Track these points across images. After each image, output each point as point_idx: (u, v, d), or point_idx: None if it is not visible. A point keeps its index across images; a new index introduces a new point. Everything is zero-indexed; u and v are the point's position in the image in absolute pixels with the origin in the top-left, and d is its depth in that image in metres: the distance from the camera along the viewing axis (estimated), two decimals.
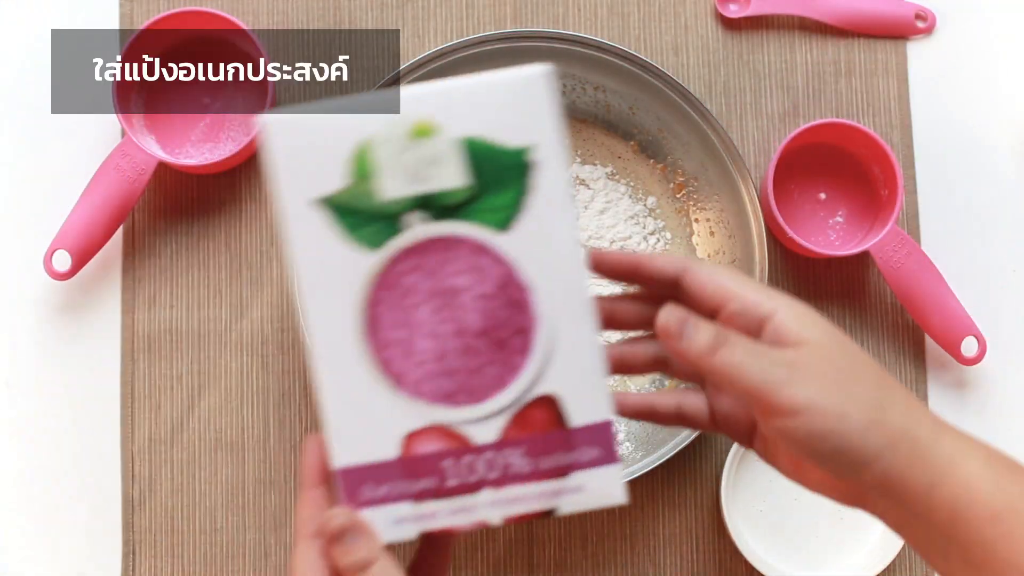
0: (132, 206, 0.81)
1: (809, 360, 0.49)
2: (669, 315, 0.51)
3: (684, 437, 0.77)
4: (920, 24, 0.86)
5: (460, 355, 0.53)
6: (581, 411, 0.54)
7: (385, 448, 0.53)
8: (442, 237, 0.53)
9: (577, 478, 0.54)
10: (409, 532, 0.53)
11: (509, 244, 0.53)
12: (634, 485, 0.82)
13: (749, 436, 0.55)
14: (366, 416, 0.53)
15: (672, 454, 0.77)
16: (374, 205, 0.52)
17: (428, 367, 0.53)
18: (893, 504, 0.49)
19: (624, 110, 0.82)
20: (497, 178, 0.52)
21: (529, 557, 0.82)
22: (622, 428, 0.81)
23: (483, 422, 0.53)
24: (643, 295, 0.56)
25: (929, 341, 0.83)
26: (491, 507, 0.53)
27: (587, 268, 0.55)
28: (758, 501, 0.80)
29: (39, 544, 0.82)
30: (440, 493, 0.53)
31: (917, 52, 0.86)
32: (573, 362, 0.53)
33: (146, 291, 0.83)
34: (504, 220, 0.52)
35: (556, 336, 0.53)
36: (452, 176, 0.52)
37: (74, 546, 0.82)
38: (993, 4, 0.87)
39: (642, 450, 0.79)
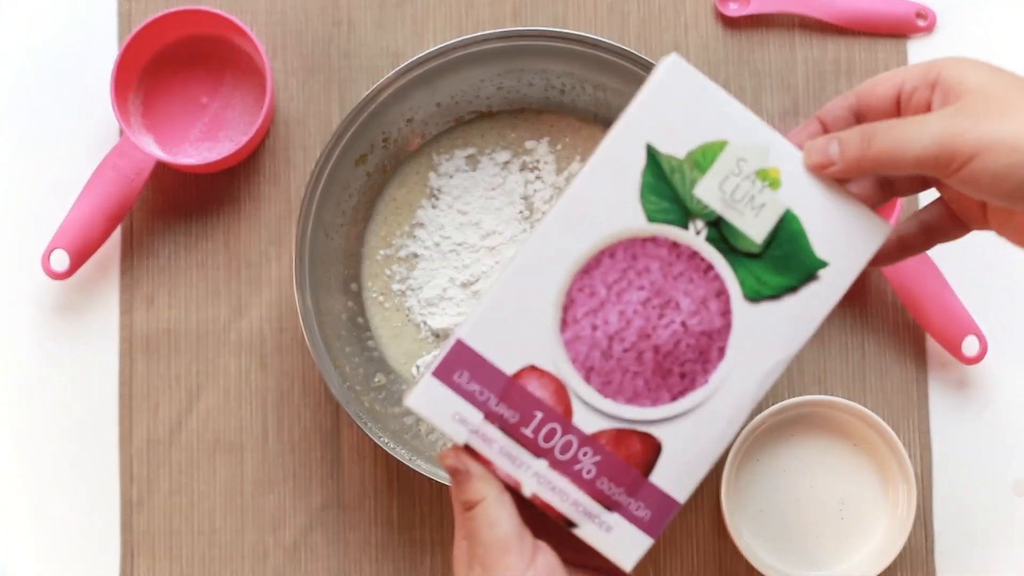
0: (130, 206, 0.81)
1: (974, 104, 0.48)
2: (809, 150, 0.52)
3: None
4: (921, 23, 0.85)
5: (626, 350, 0.54)
6: (668, 476, 0.54)
7: (505, 359, 0.53)
8: (703, 258, 0.54)
9: (614, 519, 0.54)
10: (459, 435, 0.54)
11: (741, 310, 0.54)
12: None
13: (983, 214, 0.55)
14: (517, 325, 0.53)
15: None
16: (683, 190, 0.53)
17: (597, 334, 0.54)
18: None
19: (624, 109, 0.82)
20: (783, 260, 0.54)
21: None
22: None
23: (594, 412, 0.54)
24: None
25: (930, 340, 0.83)
26: (534, 477, 0.54)
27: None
28: (759, 502, 0.80)
29: (37, 545, 0.82)
30: (508, 430, 0.54)
31: (918, 51, 0.86)
32: (698, 437, 0.54)
33: (144, 291, 0.83)
34: (757, 294, 0.54)
35: (708, 406, 0.54)
36: (755, 229, 0.54)
37: (72, 547, 0.82)
38: (994, 3, 0.87)
39: None
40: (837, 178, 0.53)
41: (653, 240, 0.53)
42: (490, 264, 0.82)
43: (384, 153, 0.82)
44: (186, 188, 0.84)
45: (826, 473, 0.80)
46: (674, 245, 0.53)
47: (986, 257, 0.85)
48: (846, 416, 0.80)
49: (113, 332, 0.83)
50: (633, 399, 0.54)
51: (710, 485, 0.82)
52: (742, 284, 0.53)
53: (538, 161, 0.83)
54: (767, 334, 0.53)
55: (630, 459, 0.54)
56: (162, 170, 0.84)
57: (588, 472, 0.54)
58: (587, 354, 0.53)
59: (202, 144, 0.83)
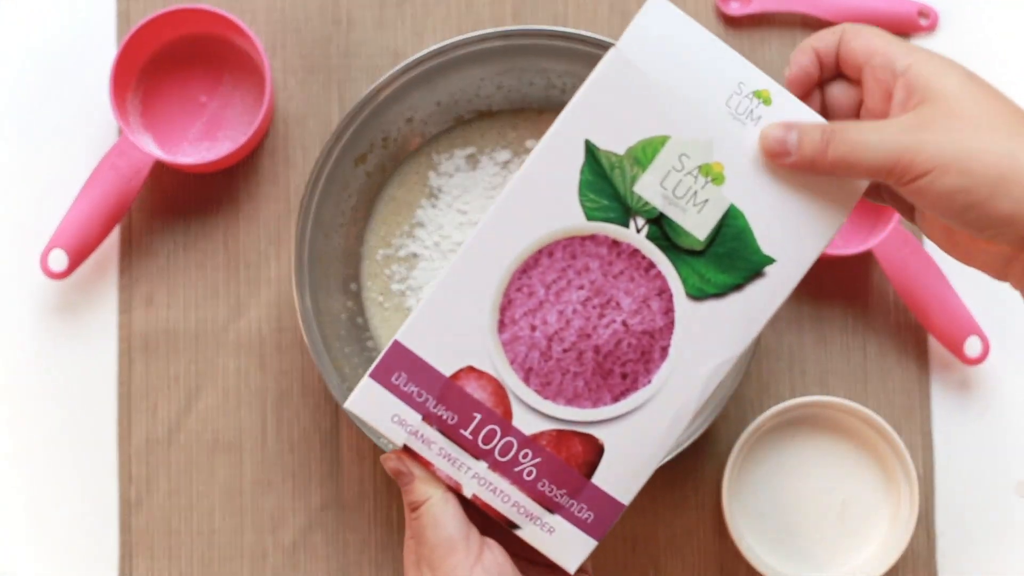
0: (129, 205, 0.81)
1: (937, 116, 0.47)
2: (767, 134, 0.51)
3: (685, 437, 0.77)
4: (923, 22, 0.85)
5: (566, 350, 0.53)
6: (611, 477, 0.54)
7: (443, 360, 0.53)
8: (644, 256, 0.53)
9: (556, 521, 0.54)
10: (398, 436, 0.53)
11: (685, 310, 0.53)
12: None
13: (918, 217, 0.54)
14: (454, 326, 0.53)
15: (673, 455, 0.77)
16: (623, 187, 0.52)
17: (536, 335, 0.53)
18: None
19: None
20: (727, 258, 0.52)
21: None
22: None
23: (533, 413, 0.53)
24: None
25: (932, 341, 0.83)
26: (474, 479, 0.53)
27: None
28: (760, 503, 0.80)
29: (35, 545, 0.82)
30: (448, 431, 0.53)
31: None
32: (642, 438, 0.53)
33: (143, 291, 0.83)
34: (700, 292, 0.53)
35: (651, 407, 0.53)
36: (697, 226, 0.52)
37: (71, 547, 0.82)
38: (996, 2, 0.86)
39: None
40: (794, 169, 0.52)
41: (592, 238, 0.52)
42: None
43: (384, 153, 0.82)
44: (185, 188, 0.84)
45: (828, 474, 0.80)
46: (614, 243, 0.52)
47: None
48: (848, 417, 0.79)
49: (112, 332, 0.83)
50: (573, 400, 0.53)
51: (711, 486, 0.82)
52: (685, 282, 0.52)
53: None
54: (712, 333, 0.52)
55: (571, 460, 0.53)
56: (161, 170, 0.83)
57: (529, 474, 0.53)
58: (526, 355, 0.53)
59: (201, 143, 0.83)
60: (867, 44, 0.51)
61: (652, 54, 0.52)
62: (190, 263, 0.83)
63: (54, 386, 0.83)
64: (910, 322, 0.83)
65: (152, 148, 0.82)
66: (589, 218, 0.52)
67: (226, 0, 0.85)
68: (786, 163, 0.51)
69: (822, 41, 0.53)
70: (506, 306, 0.53)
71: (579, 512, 0.54)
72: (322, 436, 0.82)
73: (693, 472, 0.82)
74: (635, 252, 0.52)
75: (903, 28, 0.85)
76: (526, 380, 0.53)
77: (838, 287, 0.84)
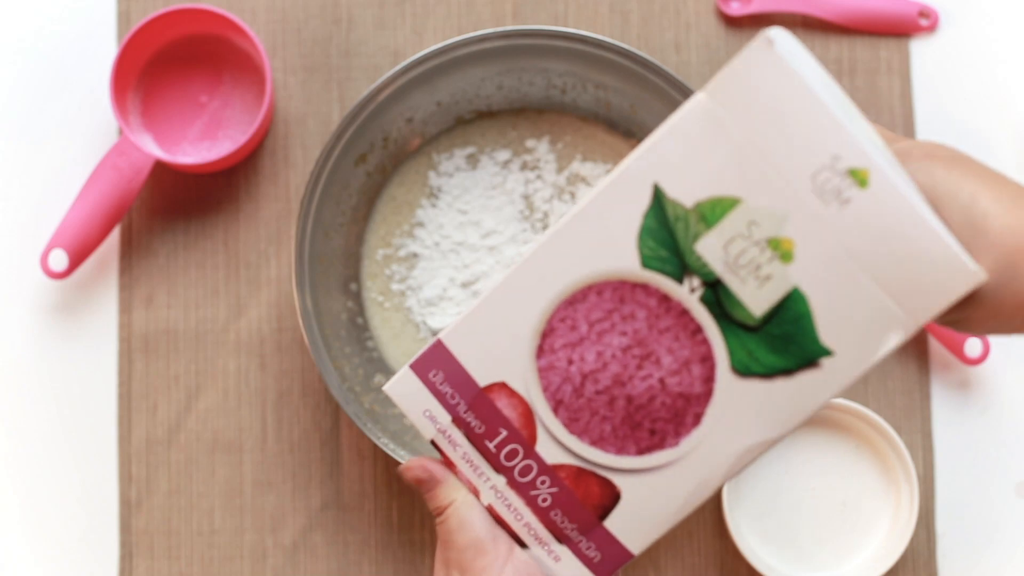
0: (129, 205, 0.80)
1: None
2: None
3: None
4: (923, 22, 0.85)
5: (599, 392, 0.52)
6: (624, 525, 0.52)
7: (480, 369, 0.52)
8: (693, 318, 0.50)
9: (563, 552, 0.53)
10: (427, 430, 0.53)
11: (727, 382, 0.50)
12: None
13: None
14: (496, 339, 0.52)
15: None
16: (684, 242, 0.49)
17: (572, 369, 0.51)
18: None
19: (625, 108, 0.82)
20: (781, 340, 0.49)
21: None
22: None
23: (557, 444, 0.52)
24: None
25: (932, 341, 0.83)
26: (492, 490, 0.53)
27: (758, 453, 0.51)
28: (760, 503, 0.80)
29: (35, 545, 0.82)
30: (473, 439, 0.53)
31: (920, 50, 0.86)
32: (659, 497, 0.52)
33: (143, 291, 0.83)
34: (746, 368, 0.50)
35: (674, 470, 0.51)
36: (755, 300, 0.49)
37: (71, 548, 0.82)
38: (997, 2, 0.86)
39: None
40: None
41: (644, 287, 0.50)
42: (490, 264, 0.82)
43: (384, 152, 0.82)
44: (185, 187, 0.84)
45: (828, 474, 0.80)
46: (665, 298, 0.50)
47: None
48: (848, 417, 0.79)
49: (112, 332, 0.83)
50: (598, 442, 0.52)
51: None
52: (731, 355, 0.49)
53: (539, 160, 0.83)
54: (751, 412, 0.49)
55: (587, 499, 0.52)
56: (161, 169, 0.83)
57: (544, 500, 0.53)
58: (559, 386, 0.52)
59: (201, 143, 0.83)
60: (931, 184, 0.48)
61: (742, 106, 0.47)
62: (190, 263, 0.83)
63: (54, 386, 0.83)
64: None
65: (152, 148, 0.82)
66: (644, 265, 0.50)
67: (226, 0, 0.85)
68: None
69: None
70: (548, 333, 0.51)
71: (587, 549, 0.53)
72: (322, 436, 0.82)
73: None
74: (684, 312, 0.50)
75: (904, 28, 0.85)
76: (555, 411, 0.52)
77: None
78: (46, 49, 0.85)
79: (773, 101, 0.47)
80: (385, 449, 0.76)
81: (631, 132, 0.83)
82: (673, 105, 0.79)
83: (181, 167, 0.81)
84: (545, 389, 0.52)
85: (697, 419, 0.50)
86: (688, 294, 0.49)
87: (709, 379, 0.50)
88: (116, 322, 0.83)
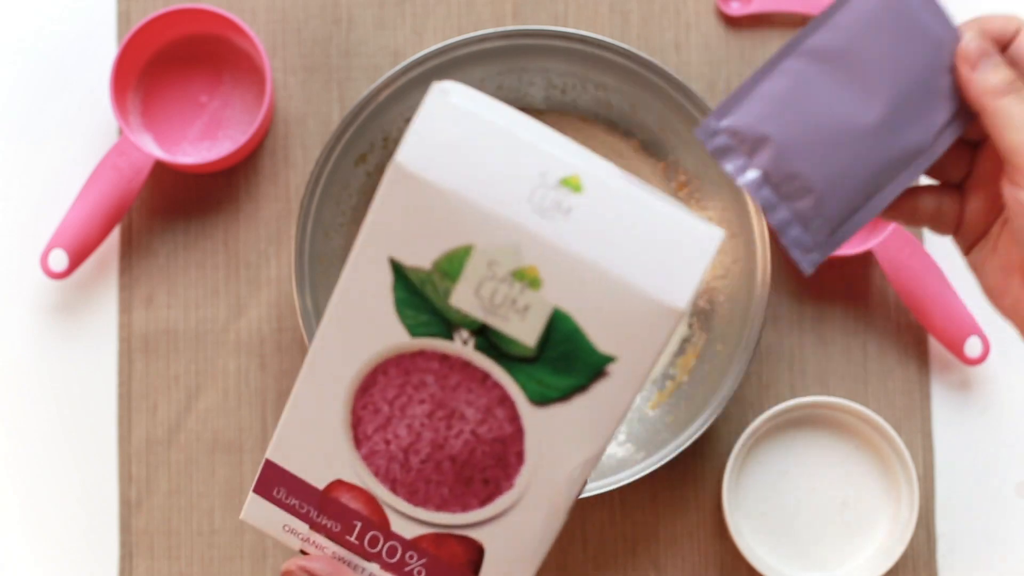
0: (129, 205, 0.81)
1: None
2: (971, 41, 0.52)
3: (686, 438, 0.77)
4: None
5: (425, 461, 0.52)
6: (497, 571, 0.53)
7: (314, 474, 0.53)
8: (477, 367, 0.50)
9: None
10: (293, 543, 0.54)
11: (530, 415, 0.50)
12: (635, 486, 0.82)
13: (977, 241, 0.56)
14: (316, 443, 0.52)
15: (674, 455, 0.77)
16: (439, 301, 0.49)
17: (391, 448, 0.52)
18: None
19: (625, 108, 0.82)
20: (562, 361, 0.49)
21: None
22: (623, 429, 0.81)
23: (408, 520, 0.53)
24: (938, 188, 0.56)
25: (932, 341, 0.83)
26: None
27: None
28: (760, 503, 0.80)
29: (35, 545, 0.82)
30: (335, 538, 0.54)
31: None
32: (518, 536, 0.52)
33: (143, 291, 0.83)
34: (543, 397, 0.50)
35: (520, 508, 0.52)
36: (524, 333, 0.49)
37: (71, 547, 0.82)
38: (995, 3, 0.86)
39: (643, 451, 0.79)
40: (964, 83, 0.52)
41: (421, 354, 0.50)
42: None
43: (384, 152, 0.82)
44: (185, 187, 0.84)
45: (828, 474, 0.80)
46: (444, 357, 0.50)
47: None
48: (848, 417, 0.79)
49: (112, 332, 0.83)
50: (442, 506, 0.52)
51: (711, 486, 0.82)
52: (524, 389, 0.49)
53: None
54: (565, 434, 0.50)
55: (455, 560, 0.53)
56: (161, 169, 0.84)
57: (419, 572, 0.53)
58: (387, 467, 0.52)
59: (201, 143, 0.83)
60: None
61: (437, 159, 0.48)
62: (190, 263, 0.83)
63: (54, 386, 0.83)
64: (910, 322, 0.83)
65: (152, 148, 0.82)
66: (413, 335, 0.50)
67: (226, 0, 0.85)
68: (966, 77, 0.52)
69: (995, 26, 0.53)
70: (356, 423, 0.52)
71: None
72: None
73: (693, 472, 0.82)
74: (467, 364, 0.50)
75: None
76: (393, 490, 0.52)
77: (838, 287, 0.84)
78: (46, 49, 0.85)
79: (465, 146, 0.47)
80: None
81: (631, 132, 0.83)
82: (673, 104, 0.80)
83: (181, 167, 0.81)
84: (376, 473, 0.52)
85: (520, 457, 0.51)
86: (463, 346, 0.50)
87: (514, 418, 0.50)
88: (116, 322, 0.83)
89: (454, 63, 0.79)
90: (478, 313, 0.49)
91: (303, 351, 0.82)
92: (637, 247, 0.48)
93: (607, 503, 0.82)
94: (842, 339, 0.83)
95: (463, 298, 0.49)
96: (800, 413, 0.80)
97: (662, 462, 0.77)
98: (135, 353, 0.83)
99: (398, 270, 0.49)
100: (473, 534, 0.52)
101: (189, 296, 0.83)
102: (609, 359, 0.49)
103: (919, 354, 0.83)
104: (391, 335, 0.50)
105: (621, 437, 0.81)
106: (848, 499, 0.80)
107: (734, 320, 0.79)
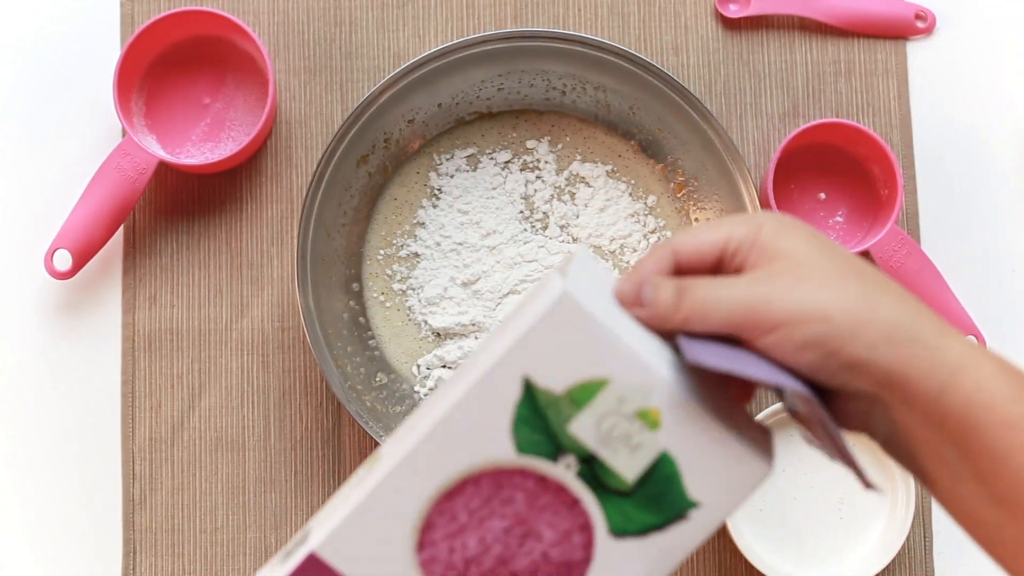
0: (133, 206, 0.81)
1: (785, 271, 0.48)
2: (622, 286, 0.51)
3: None
4: (920, 24, 0.86)
5: (483, 573, 0.52)
6: None
7: (360, 574, 0.52)
8: (570, 493, 0.52)
9: None
10: None
11: (604, 544, 0.52)
12: None
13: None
14: (375, 543, 0.52)
15: None
16: (557, 425, 0.51)
17: (453, 558, 0.52)
18: (903, 409, 0.47)
19: (624, 110, 0.82)
20: (653, 500, 0.51)
21: None
22: None
23: None
24: None
25: None
26: None
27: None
28: (758, 500, 0.80)
29: (39, 542, 0.82)
30: None
31: (917, 52, 0.86)
32: None
33: (147, 290, 0.84)
34: (622, 529, 0.52)
35: None
36: (628, 468, 0.51)
37: (75, 545, 0.82)
38: (993, 4, 0.87)
39: None
40: (645, 323, 0.51)
41: (521, 472, 0.51)
42: (490, 263, 0.83)
43: (385, 153, 0.82)
44: (188, 188, 0.84)
45: (825, 472, 0.81)
46: (541, 478, 0.51)
47: (986, 258, 0.85)
48: None
49: (116, 331, 0.83)
50: None
51: None
52: (609, 519, 0.51)
53: (539, 160, 0.84)
54: (628, 567, 0.52)
55: None
56: (164, 170, 0.84)
57: None
58: (442, 574, 0.52)
59: (204, 144, 0.84)
60: (711, 241, 0.51)
61: (595, 298, 0.50)
62: (194, 263, 0.84)
63: (58, 386, 0.83)
64: None
65: (156, 149, 0.83)
66: (520, 451, 0.51)
67: (229, 2, 0.85)
68: (641, 316, 0.51)
69: (662, 264, 0.52)
70: (427, 528, 0.52)
71: None
72: (324, 434, 0.83)
73: None
74: (561, 488, 0.51)
75: (900, 31, 0.86)
76: None
77: None
78: (51, 51, 0.86)
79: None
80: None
81: (630, 133, 0.83)
82: (672, 106, 0.80)
83: (184, 168, 0.82)
84: None
85: None
86: (564, 471, 0.51)
87: (589, 544, 0.52)
88: (120, 321, 0.83)
89: (455, 65, 0.80)
90: (591, 442, 0.51)
91: (305, 350, 0.83)
92: (737, 420, 0.52)
93: None
94: None
95: (582, 427, 0.50)
96: None
97: None
98: (139, 352, 0.83)
99: (529, 390, 0.50)
100: None
101: (192, 296, 0.84)
102: (693, 505, 0.51)
103: None
104: (498, 449, 0.51)
105: None
106: (845, 497, 0.81)
107: None
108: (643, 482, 0.51)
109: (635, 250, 0.83)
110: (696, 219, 0.83)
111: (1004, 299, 0.85)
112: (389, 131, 0.81)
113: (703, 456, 0.51)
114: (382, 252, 0.83)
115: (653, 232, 0.83)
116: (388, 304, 0.83)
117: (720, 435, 0.50)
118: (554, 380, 0.50)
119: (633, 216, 0.83)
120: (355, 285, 0.83)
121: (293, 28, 0.85)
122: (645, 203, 0.84)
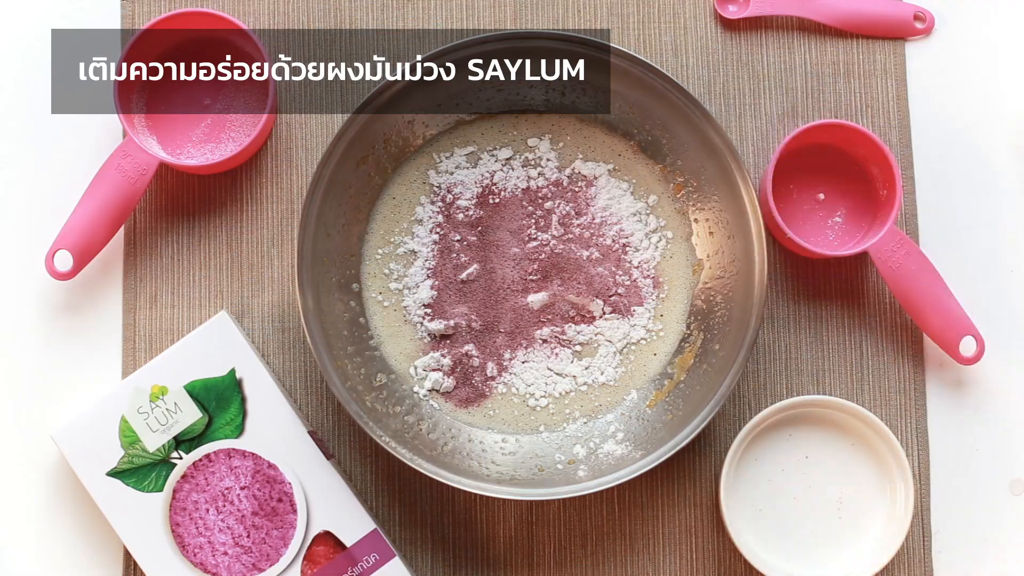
0: (133, 206, 0.81)
1: None
2: None
3: (684, 436, 0.77)
4: (918, 25, 0.86)
5: (248, 534, 0.75)
6: (351, 532, 0.76)
7: None
8: (200, 459, 0.76)
9: None
10: None
11: (248, 442, 0.76)
12: (634, 484, 0.83)
13: None
14: None
15: (671, 453, 0.77)
16: (147, 458, 0.76)
17: (230, 552, 0.75)
18: None
19: (624, 110, 0.82)
20: (221, 401, 0.76)
21: (529, 555, 0.83)
22: (621, 428, 0.81)
23: (286, 572, 0.76)
24: None
25: (927, 341, 0.84)
26: None
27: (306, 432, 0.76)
28: (757, 500, 0.80)
29: (39, 544, 0.82)
30: None
31: (915, 53, 0.86)
32: (330, 501, 0.76)
33: (147, 291, 0.84)
34: (238, 428, 0.77)
35: (309, 488, 0.76)
36: (190, 415, 0.76)
37: (74, 547, 0.82)
38: (991, 5, 0.87)
39: (641, 449, 0.79)
40: None
41: (175, 492, 0.77)
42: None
43: (385, 153, 0.82)
44: (189, 189, 0.84)
45: (824, 472, 0.81)
46: (185, 476, 0.77)
47: (983, 258, 0.85)
48: (844, 416, 0.80)
49: (116, 331, 0.84)
50: (284, 542, 0.76)
51: (709, 483, 0.83)
52: (228, 437, 0.76)
53: (540, 158, 0.84)
54: (270, 427, 0.77)
55: (328, 556, 0.75)
56: (165, 171, 0.84)
57: None
58: (240, 566, 0.76)
59: (205, 145, 0.84)
60: None
61: None
62: (194, 264, 0.84)
63: (59, 385, 0.83)
64: (906, 322, 0.84)
65: (156, 150, 0.83)
66: (161, 489, 0.77)
67: (230, 3, 0.85)
68: None
69: None
70: (202, 568, 0.76)
71: (368, 564, 0.76)
72: (324, 434, 0.83)
73: (691, 470, 0.83)
74: (195, 464, 0.77)
75: (899, 31, 0.86)
76: (259, 571, 0.75)
77: (835, 287, 0.84)
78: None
79: None
80: (387, 447, 0.77)
81: (630, 134, 0.83)
82: (671, 107, 0.80)
83: (185, 169, 0.82)
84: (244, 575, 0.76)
85: (271, 466, 0.77)
86: (185, 458, 0.78)
87: (245, 455, 0.73)
88: (120, 322, 0.84)
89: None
90: (165, 437, 0.78)
91: (305, 351, 0.83)
92: None
93: (606, 500, 0.83)
94: (838, 339, 0.84)
95: (151, 440, 0.78)
96: (797, 412, 0.80)
97: (660, 460, 0.77)
98: (139, 352, 0.83)
99: (115, 474, 0.76)
100: (313, 532, 0.74)
101: (192, 296, 0.84)
102: (231, 371, 0.75)
103: (914, 353, 0.84)
104: (156, 503, 0.77)
105: (620, 435, 0.81)
106: (844, 496, 0.81)
107: (731, 320, 0.80)
108: (206, 406, 0.76)
109: (637, 249, 0.83)
110: (695, 220, 0.83)
111: (1002, 299, 0.85)
112: (389, 131, 0.81)
113: (196, 359, 0.78)
114: (380, 251, 0.83)
115: (655, 231, 0.83)
116: (386, 304, 0.83)
117: (185, 342, 0.78)
118: (113, 457, 0.76)
119: (635, 215, 0.83)
120: (355, 286, 0.83)
121: (293, 28, 0.85)
122: (647, 202, 0.84)
